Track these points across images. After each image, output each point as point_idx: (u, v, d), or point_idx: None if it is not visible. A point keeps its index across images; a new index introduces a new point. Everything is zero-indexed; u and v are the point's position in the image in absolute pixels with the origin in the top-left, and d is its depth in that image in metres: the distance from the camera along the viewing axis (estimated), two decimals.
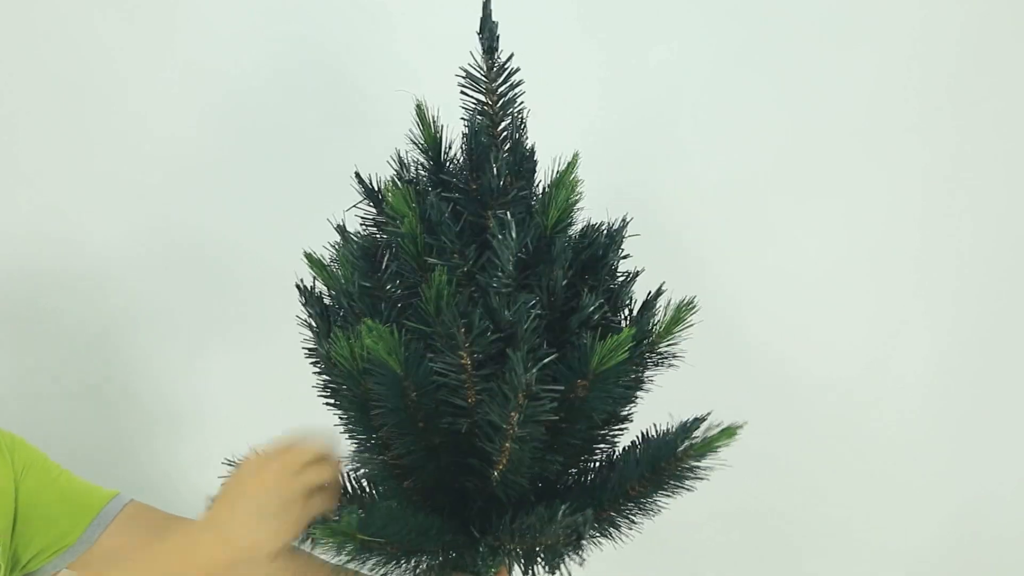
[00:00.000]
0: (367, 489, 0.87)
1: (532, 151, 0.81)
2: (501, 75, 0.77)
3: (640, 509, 0.81)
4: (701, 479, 0.80)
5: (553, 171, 0.77)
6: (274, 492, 0.77)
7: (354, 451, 0.83)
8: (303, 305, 0.85)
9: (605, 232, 0.81)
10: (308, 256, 0.83)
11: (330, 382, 0.82)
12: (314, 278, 0.85)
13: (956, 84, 1.33)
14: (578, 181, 0.76)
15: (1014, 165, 1.36)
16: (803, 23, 1.30)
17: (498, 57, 0.77)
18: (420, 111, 0.79)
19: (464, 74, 0.78)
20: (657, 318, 0.81)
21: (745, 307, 1.35)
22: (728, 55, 1.31)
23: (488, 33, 0.76)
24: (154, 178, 1.26)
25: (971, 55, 1.32)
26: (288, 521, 0.78)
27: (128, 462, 1.30)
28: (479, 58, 0.77)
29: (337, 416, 0.83)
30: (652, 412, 0.85)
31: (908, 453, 1.41)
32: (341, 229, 0.84)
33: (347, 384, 0.78)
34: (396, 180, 0.81)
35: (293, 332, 0.90)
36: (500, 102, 0.78)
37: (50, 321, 1.27)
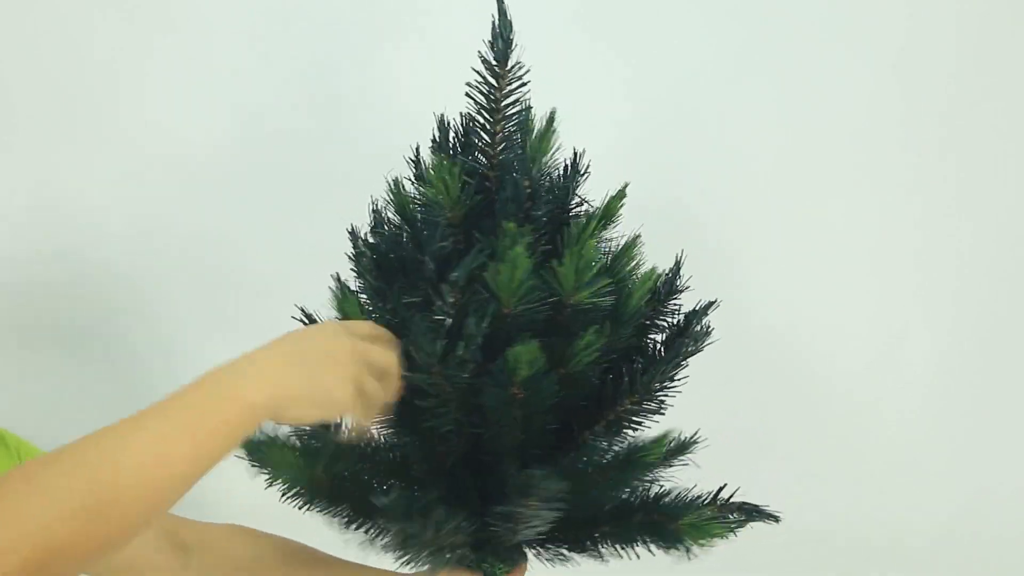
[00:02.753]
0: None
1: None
2: (511, 84, 0.76)
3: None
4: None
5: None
6: (340, 366, 0.68)
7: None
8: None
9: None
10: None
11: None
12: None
13: (959, 83, 1.33)
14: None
15: (1014, 164, 1.36)
16: (805, 23, 1.30)
17: (510, 67, 0.76)
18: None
19: (476, 83, 0.76)
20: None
21: (745, 305, 1.35)
22: (729, 56, 1.31)
23: (502, 42, 0.75)
24: (154, 178, 1.26)
25: (972, 55, 1.32)
26: (335, 399, 0.67)
27: None
28: (488, 68, 0.76)
29: None
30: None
31: (908, 453, 1.41)
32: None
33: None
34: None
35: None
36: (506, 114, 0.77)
37: (51, 323, 1.27)
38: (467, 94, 0.77)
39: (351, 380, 0.68)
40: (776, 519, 0.85)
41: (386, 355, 0.72)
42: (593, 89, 1.29)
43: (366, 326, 0.74)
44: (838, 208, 1.35)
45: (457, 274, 0.70)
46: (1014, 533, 1.44)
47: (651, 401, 0.79)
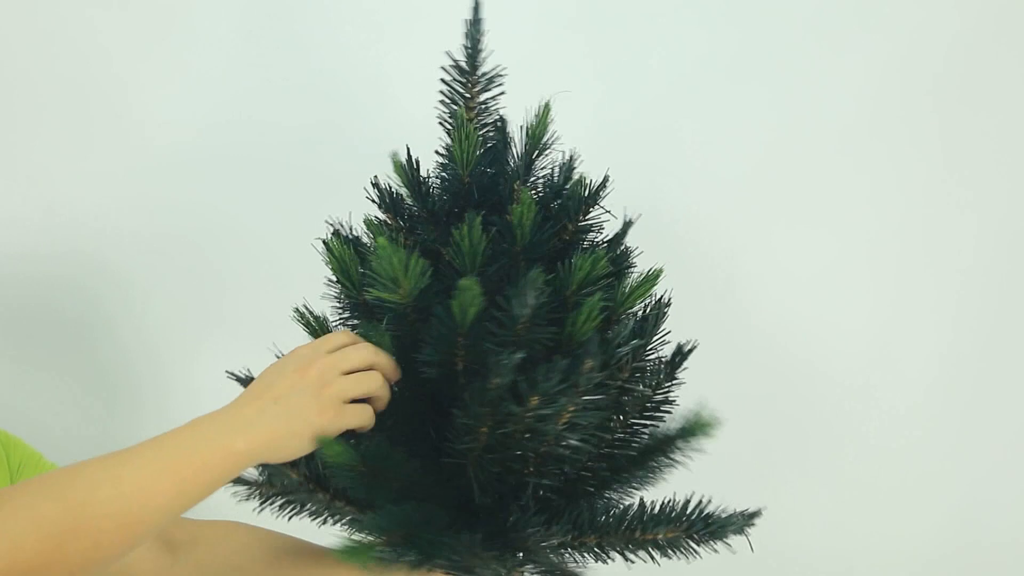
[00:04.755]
0: None
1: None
2: (481, 83, 0.77)
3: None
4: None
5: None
6: (312, 390, 0.69)
7: None
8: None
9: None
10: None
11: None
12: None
13: (958, 80, 1.32)
14: None
15: (1016, 161, 1.35)
16: (803, 22, 1.29)
17: (480, 64, 0.76)
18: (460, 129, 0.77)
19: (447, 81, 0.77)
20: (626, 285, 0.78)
21: (746, 305, 1.35)
22: (727, 53, 1.30)
23: (472, 41, 0.75)
24: (152, 176, 1.26)
25: (971, 52, 1.31)
26: (318, 424, 0.68)
27: None
28: (460, 66, 0.77)
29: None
30: None
31: (908, 454, 1.40)
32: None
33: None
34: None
35: (289, 329, 0.90)
36: (478, 110, 0.77)
37: (45, 319, 1.27)
38: (440, 90, 0.78)
39: (329, 400, 0.69)
40: None
41: (362, 354, 0.72)
42: (577, 90, 1.28)
43: (339, 337, 0.74)
44: (835, 209, 1.34)
45: None
46: (1013, 537, 1.43)
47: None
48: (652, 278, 0.75)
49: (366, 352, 0.73)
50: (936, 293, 1.37)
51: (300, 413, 0.68)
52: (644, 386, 0.78)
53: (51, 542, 0.58)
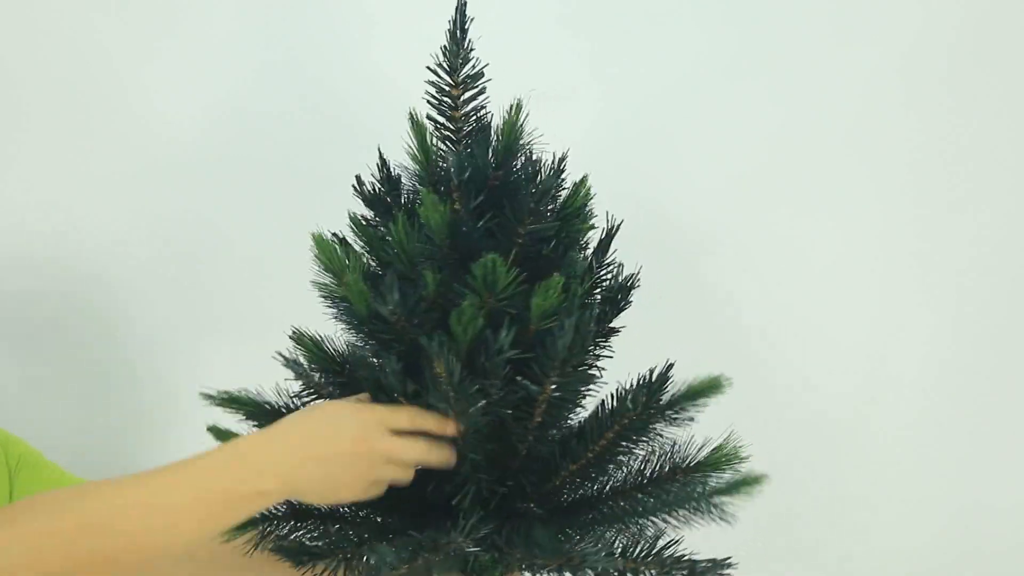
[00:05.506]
0: None
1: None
2: (468, 83, 0.77)
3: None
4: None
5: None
6: (362, 470, 0.68)
7: None
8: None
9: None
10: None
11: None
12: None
13: (957, 80, 1.32)
14: None
15: (1016, 162, 1.34)
16: (800, 23, 1.29)
17: (464, 61, 0.77)
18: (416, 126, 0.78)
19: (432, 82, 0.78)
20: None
21: (745, 306, 1.35)
22: (725, 54, 1.30)
23: (456, 44, 0.76)
24: (152, 176, 1.26)
25: (971, 50, 1.31)
26: (353, 497, 0.69)
27: (122, 458, 1.31)
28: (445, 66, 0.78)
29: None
30: None
31: (907, 458, 1.40)
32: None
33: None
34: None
35: (289, 330, 0.91)
36: (465, 110, 0.78)
37: (46, 319, 1.27)
38: (427, 90, 0.79)
39: (368, 481, 0.69)
40: None
41: (413, 451, 0.70)
42: (576, 87, 1.28)
43: (406, 416, 0.71)
44: (838, 210, 1.34)
45: None
46: (1013, 546, 1.42)
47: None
48: (552, 287, 0.69)
49: (417, 454, 0.71)
50: (939, 296, 1.36)
51: (340, 484, 0.68)
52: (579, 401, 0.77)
53: (71, 562, 0.59)
